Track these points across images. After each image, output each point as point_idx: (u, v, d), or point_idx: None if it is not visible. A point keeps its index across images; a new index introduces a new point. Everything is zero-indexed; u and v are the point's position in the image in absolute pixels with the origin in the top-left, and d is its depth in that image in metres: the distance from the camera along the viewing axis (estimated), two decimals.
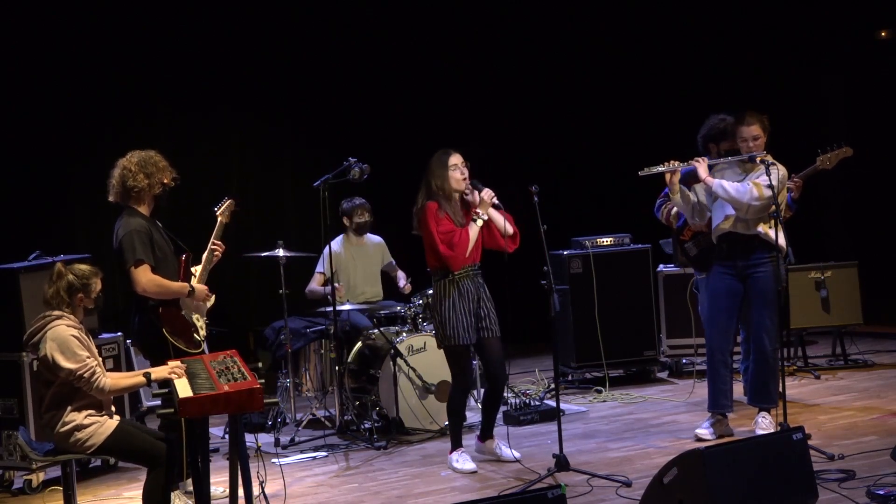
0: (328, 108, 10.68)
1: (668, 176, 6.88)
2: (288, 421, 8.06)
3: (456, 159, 6.61)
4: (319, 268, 8.34)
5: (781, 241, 6.63)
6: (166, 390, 5.42)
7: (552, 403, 7.70)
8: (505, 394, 7.34)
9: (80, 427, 5.45)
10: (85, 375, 5.40)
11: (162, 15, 9.89)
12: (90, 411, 5.49)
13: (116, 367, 7.34)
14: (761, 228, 6.82)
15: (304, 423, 8.04)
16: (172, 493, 5.79)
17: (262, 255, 8.04)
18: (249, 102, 10.41)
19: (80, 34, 9.56)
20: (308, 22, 10.56)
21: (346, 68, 10.76)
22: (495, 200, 6.59)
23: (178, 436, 5.84)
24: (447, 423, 7.39)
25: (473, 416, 7.87)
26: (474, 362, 7.94)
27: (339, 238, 8.44)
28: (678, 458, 5.06)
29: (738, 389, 7.31)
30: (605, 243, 9.06)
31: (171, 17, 9.93)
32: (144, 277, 6.12)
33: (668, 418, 7.73)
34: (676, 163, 6.89)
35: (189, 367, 5.58)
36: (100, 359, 5.65)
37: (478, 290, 6.64)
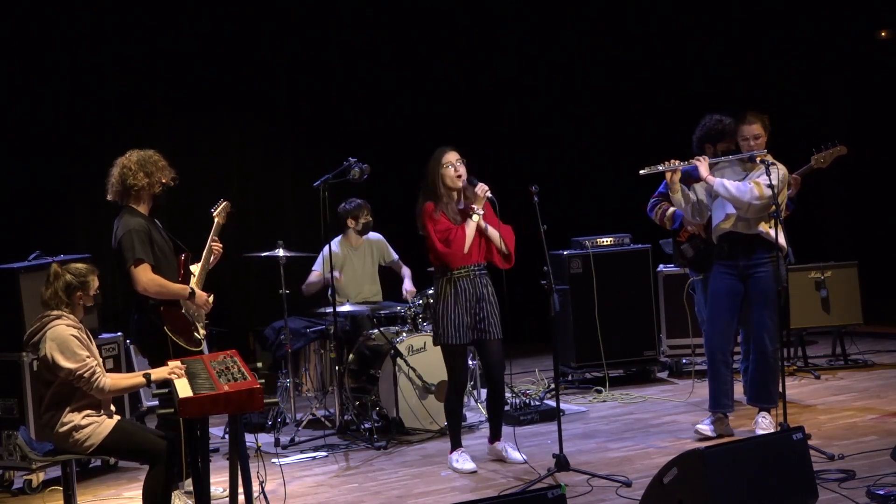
0: (328, 108, 10.68)
1: (668, 175, 6.89)
2: (288, 421, 8.06)
3: (450, 157, 6.60)
4: (317, 266, 8.34)
5: (782, 240, 6.63)
6: (166, 390, 5.42)
7: (552, 403, 7.70)
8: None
9: (78, 427, 5.44)
10: (85, 375, 5.40)
11: (162, 15, 9.89)
12: (89, 411, 5.49)
13: (116, 367, 7.35)
14: (762, 228, 6.82)
15: (304, 423, 8.04)
16: (172, 493, 5.79)
17: (262, 255, 8.04)
18: (249, 102, 10.42)
19: (80, 34, 9.56)
20: (308, 22, 10.57)
21: (346, 68, 10.76)
22: (489, 194, 6.57)
23: (178, 435, 5.85)
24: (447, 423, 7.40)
25: (473, 415, 7.88)
26: (473, 363, 7.95)
27: (338, 239, 8.44)
28: (678, 458, 5.06)
29: (738, 389, 7.32)
30: (605, 243, 9.06)
31: (171, 17, 9.94)
32: (145, 276, 6.12)
33: (668, 418, 7.73)
34: (677, 162, 6.89)
35: (189, 367, 5.57)
36: (100, 359, 5.65)
37: (478, 290, 6.61)
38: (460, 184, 6.60)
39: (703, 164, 6.89)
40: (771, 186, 6.57)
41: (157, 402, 6.07)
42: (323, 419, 8.02)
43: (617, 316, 8.93)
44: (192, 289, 6.31)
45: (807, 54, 11.44)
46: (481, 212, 6.58)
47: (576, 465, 6.41)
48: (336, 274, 7.92)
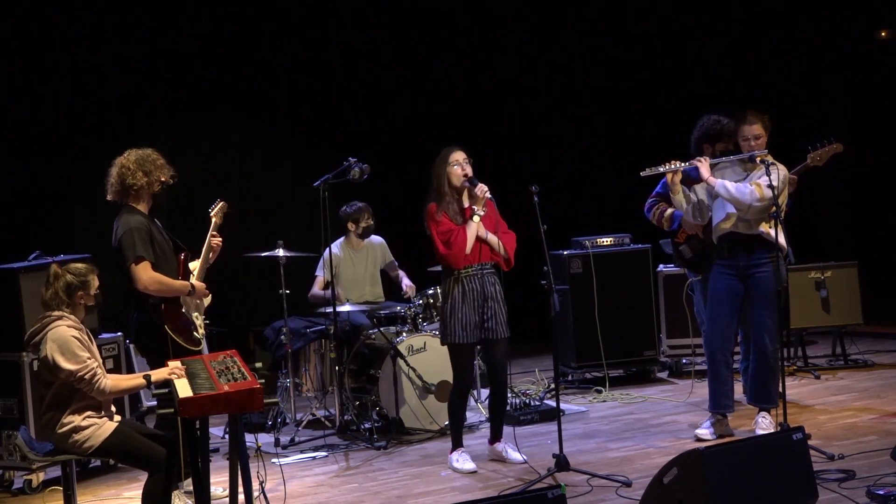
0: (328, 108, 10.68)
1: (669, 176, 6.89)
2: (288, 421, 8.06)
3: (458, 156, 6.62)
4: (319, 272, 8.34)
5: (782, 241, 6.63)
6: (166, 390, 5.42)
7: (552, 403, 7.70)
8: None
9: (78, 429, 5.44)
10: (86, 377, 5.40)
11: (162, 15, 9.89)
12: (89, 412, 5.49)
13: (116, 367, 7.34)
14: (763, 228, 6.82)
15: (304, 423, 8.04)
16: (172, 493, 5.79)
17: (262, 255, 8.04)
18: (249, 102, 10.42)
19: (80, 34, 9.56)
20: (308, 22, 10.57)
21: (346, 68, 10.76)
22: (488, 195, 6.58)
23: (178, 435, 5.85)
24: (447, 422, 7.40)
25: (473, 416, 7.87)
26: (476, 363, 7.95)
27: (339, 241, 8.44)
28: (678, 458, 5.06)
29: (738, 389, 7.32)
30: (605, 243, 9.06)
31: (171, 18, 9.94)
32: (145, 275, 6.12)
33: (668, 418, 7.73)
34: (678, 163, 6.89)
35: (189, 367, 5.57)
36: (101, 360, 5.65)
37: (486, 289, 6.61)
38: (465, 182, 6.61)
39: (703, 165, 6.89)
40: (771, 187, 6.57)
41: (156, 402, 6.06)
42: (323, 419, 8.02)
43: (617, 316, 8.93)
44: (192, 285, 6.31)
45: (807, 54, 11.43)
46: (482, 212, 6.58)
47: (576, 465, 6.41)
48: (334, 286, 7.91)
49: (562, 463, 6.35)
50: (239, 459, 5.22)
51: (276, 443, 7.52)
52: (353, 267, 8.39)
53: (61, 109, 9.49)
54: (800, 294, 9.03)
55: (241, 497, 5.23)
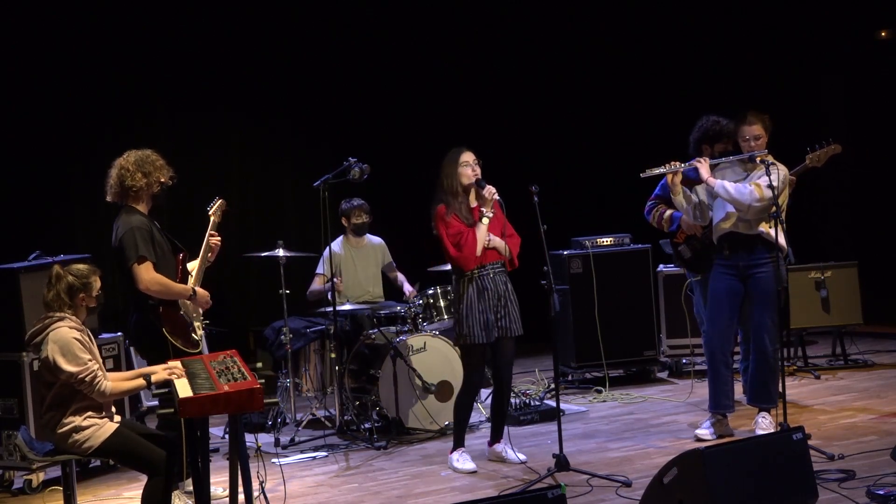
0: (328, 108, 10.68)
1: (669, 177, 6.89)
2: (288, 421, 8.06)
3: (467, 157, 6.63)
4: (320, 269, 8.34)
5: (782, 241, 6.63)
6: (166, 390, 5.42)
7: (552, 403, 7.70)
8: None
9: (78, 429, 5.44)
10: (86, 379, 5.39)
11: (162, 15, 9.89)
12: (90, 413, 5.48)
13: (116, 368, 7.34)
14: (763, 228, 6.82)
15: (304, 423, 8.04)
16: (172, 493, 5.78)
17: (262, 255, 8.05)
18: (249, 102, 10.41)
19: (80, 34, 9.55)
20: (308, 22, 10.56)
21: (346, 68, 10.76)
22: (496, 196, 6.59)
23: (178, 435, 5.85)
24: (447, 422, 7.41)
25: (473, 415, 7.85)
26: None
27: (339, 239, 8.44)
28: (678, 458, 5.06)
29: (738, 389, 7.32)
30: (605, 243, 9.06)
31: (171, 18, 9.93)
32: (147, 275, 6.11)
33: (668, 418, 7.73)
34: (678, 163, 6.89)
35: (189, 367, 5.57)
36: (101, 361, 5.65)
37: (499, 288, 6.61)
38: (474, 184, 6.61)
39: (703, 166, 6.88)
40: (771, 187, 6.57)
41: (157, 402, 6.07)
42: (323, 419, 8.02)
43: (617, 316, 8.93)
44: (193, 289, 6.31)
45: (807, 54, 11.43)
46: (490, 214, 6.59)
47: (576, 465, 6.41)
48: (337, 280, 7.91)
49: (562, 463, 6.35)
50: (239, 459, 5.22)
51: (276, 443, 7.53)
52: (354, 266, 8.39)
53: (61, 109, 9.49)
54: (800, 294, 9.04)
55: (241, 497, 5.23)
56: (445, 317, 7.98)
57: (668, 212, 7.46)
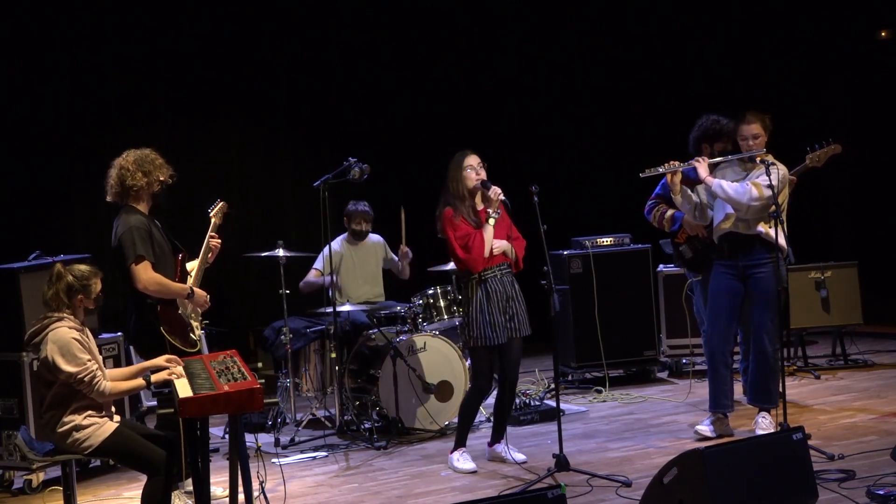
0: (328, 108, 10.68)
1: (669, 177, 6.89)
2: (288, 421, 8.06)
3: (472, 160, 6.63)
4: (318, 264, 8.34)
5: (782, 241, 6.63)
6: (166, 390, 5.42)
7: (552, 403, 7.70)
8: None
9: (78, 428, 5.44)
10: (85, 379, 5.39)
11: (162, 16, 9.88)
12: (90, 412, 5.48)
13: (116, 367, 7.33)
14: (762, 228, 6.82)
15: (304, 423, 8.04)
16: (172, 493, 5.79)
17: (262, 255, 8.05)
18: (249, 103, 10.41)
19: (80, 34, 9.55)
20: (308, 22, 10.56)
21: (346, 68, 10.76)
22: (502, 197, 6.59)
23: (178, 435, 5.84)
24: (447, 422, 7.41)
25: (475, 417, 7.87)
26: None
27: (341, 237, 8.45)
28: (678, 458, 5.06)
29: (738, 389, 7.31)
30: (605, 243, 9.06)
31: (172, 18, 9.93)
32: (145, 274, 6.12)
33: (668, 418, 7.73)
34: (677, 163, 6.89)
35: (189, 367, 5.57)
36: (101, 361, 5.64)
37: (507, 289, 6.61)
38: (479, 185, 6.61)
39: (702, 166, 6.88)
40: (770, 187, 6.57)
41: (156, 402, 6.07)
42: (323, 419, 8.02)
43: (617, 316, 8.93)
44: (191, 289, 6.31)
45: (807, 54, 11.44)
46: (496, 215, 6.59)
47: (576, 465, 6.41)
48: (332, 278, 7.91)
49: (562, 463, 6.35)
50: (239, 459, 5.22)
51: (276, 443, 7.53)
52: (354, 266, 8.39)
53: (61, 109, 9.49)
54: (800, 294, 9.04)
55: (241, 497, 5.23)
56: (445, 317, 7.99)
57: (670, 212, 7.45)
